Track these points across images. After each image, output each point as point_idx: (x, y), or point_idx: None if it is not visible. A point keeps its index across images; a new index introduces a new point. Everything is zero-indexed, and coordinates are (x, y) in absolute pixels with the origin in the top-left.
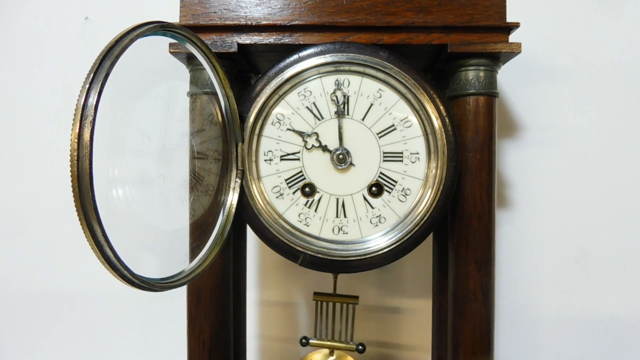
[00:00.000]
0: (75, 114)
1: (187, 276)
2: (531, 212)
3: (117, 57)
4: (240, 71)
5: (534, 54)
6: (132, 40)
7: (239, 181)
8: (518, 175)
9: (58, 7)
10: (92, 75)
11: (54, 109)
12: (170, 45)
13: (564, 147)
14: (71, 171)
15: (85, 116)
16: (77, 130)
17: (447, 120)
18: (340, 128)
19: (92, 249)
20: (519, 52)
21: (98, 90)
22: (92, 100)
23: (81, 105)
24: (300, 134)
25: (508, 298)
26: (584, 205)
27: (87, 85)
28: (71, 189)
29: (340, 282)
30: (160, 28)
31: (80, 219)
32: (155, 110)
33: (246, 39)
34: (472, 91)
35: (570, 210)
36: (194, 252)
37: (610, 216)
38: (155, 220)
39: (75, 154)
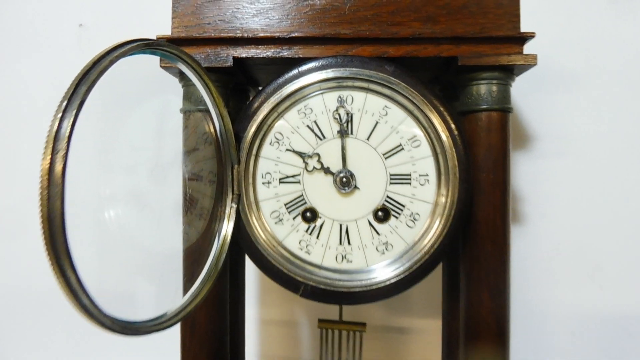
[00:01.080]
0: (45, 146)
1: (176, 315)
2: (543, 226)
3: (94, 82)
4: (237, 84)
5: (545, 59)
6: (112, 62)
7: (235, 206)
8: (529, 187)
9: (53, 14)
10: (65, 103)
11: (49, 115)
12: (161, 59)
13: (576, 157)
14: (41, 212)
15: (56, 149)
16: (47, 166)
17: (458, 139)
18: (343, 148)
19: (67, 297)
20: (535, 65)
21: (72, 119)
22: (65, 130)
23: (52, 136)
24: (301, 154)
25: (519, 315)
26: (598, 219)
27: (60, 114)
28: (41, 232)
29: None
30: (145, 46)
31: (52, 265)
32: (148, 125)
33: (242, 52)
34: (484, 106)
35: (583, 223)
36: (186, 286)
37: (625, 230)
38: (148, 243)
39: (46, 193)
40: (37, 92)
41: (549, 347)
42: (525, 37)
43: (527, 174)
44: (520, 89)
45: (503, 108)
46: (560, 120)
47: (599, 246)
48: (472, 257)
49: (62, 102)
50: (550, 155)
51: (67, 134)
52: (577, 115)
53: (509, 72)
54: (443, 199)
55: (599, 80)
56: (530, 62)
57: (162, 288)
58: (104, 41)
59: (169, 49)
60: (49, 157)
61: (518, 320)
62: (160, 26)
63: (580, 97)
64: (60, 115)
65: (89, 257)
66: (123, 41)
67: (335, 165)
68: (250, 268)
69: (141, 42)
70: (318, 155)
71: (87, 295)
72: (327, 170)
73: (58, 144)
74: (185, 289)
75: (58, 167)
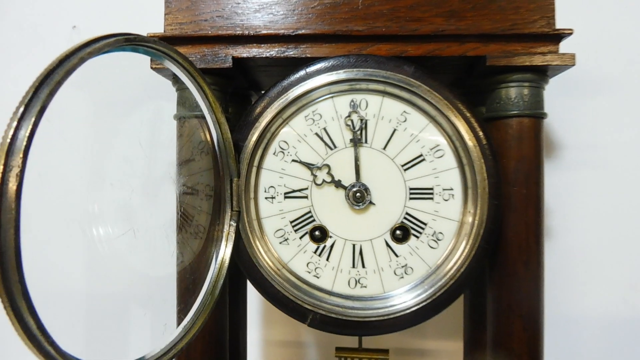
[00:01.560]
0: None
1: (165, 354)
2: (572, 242)
3: (59, 84)
4: (237, 88)
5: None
6: (82, 60)
7: (234, 225)
8: (556, 200)
9: (46, 16)
10: (21, 109)
11: None
12: (152, 60)
13: (608, 168)
14: None
15: (9, 166)
16: None
17: (486, 148)
18: (357, 159)
19: (26, 344)
20: (572, 65)
21: (30, 128)
22: (21, 142)
23: (5, 149)
24: (309, 166)
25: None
26: (631, 234)
27: (15, 123)
28: None
29: None
30: (126, 42)
31: (5, 309)
32: (140, 134)
33: (243, 52)
34: (515, 112)
35: (615, 239)
36: (179, 317)
37: None
38: (140, 264)
39: None
40: None
41: None
42: (562, 35)
43: (553, 185)
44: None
45: (536, 114)
46: (590, 128)
47: (633, 264)
48: (501, 282)
49: (18, 107)
50: (579, 165)
51: (23, 147)
52: (609, 122)
53: (542, 74)
54: (470, 217)
55: (632, 85)
56: (568, 63)
57: (155, 317)
58: None
59: (154, 45)
60: None
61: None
62: (157, 28)
63: (609, 103)
64: (15, 123)
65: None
66: (98, 36)
67: (348, 178)
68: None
69: (120, 37)
70: (328, 166)
71: (51, 342)
72: (338, 184)
73: (12, 158)
74: (178, 321)
75: (11, 187)
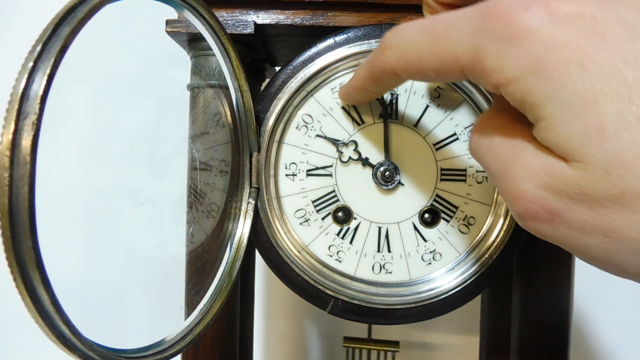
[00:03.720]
0: (8, 110)
1: (183, 339)
2: None
3: (83, 22)
4: (254, 60)
5: None
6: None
7: (253, 202)
8: None
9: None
10: (39, 48)
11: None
12: (167, 23)
13: None
14: (0, 203)
15: (24, 113)
16: (9, 138)
17: None
18: (386, 136)
19: (37, 321)
20: None
21: (49, 71)
22: (39, 87)
23: (19, 94)
24: (334, 142)
25: None
26: None
27: (31, 64)
28: (0, 231)
29: None
30: None
31: (15, 279)
32: (148, 106)
33: (266, 18)
34: None
35: None
36: (191, 300)
37: None
38: (145, 246)
39: (7, 176)
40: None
41: None
42: None
43: None
44: None
45: None
46: None
47: None
48: (531, 271)
49: (34, 46)
50: None
51: (41, 91)
52: None
53: None
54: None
55: None
56: None
57: (162, 304)
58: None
59: None
60: (12, 125)
61: None
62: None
63: None
64: (31, 64)
65: (73, 264)
66: None
67: (376, 157)
68: (257, 271)
69: None
70: (355, 143)
71: (66, 321)
72: (365, 162)
73: (27, 104)
74: (191, 304)
75: (26, 137)
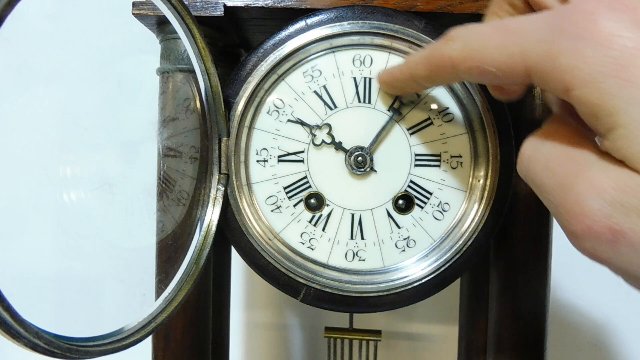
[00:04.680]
0: None
1: (144, 327)
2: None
3: None
4: (226, 45)
5: None
6: None
7: (222, 189)
8: None
9: None
10: None
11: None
12: (134, 5)
13: None
14: None
15: None
16: None
17: (499, 113)
18: (381, 131)
19: None
20: None
21: None
22: None
23: None
24: (308, 125)
25: None
26: None
27: None
28: None
29: None
30: None
31: None
32: (116, 92)
33: (236, 0)
34: None
35: None
36: (158, 288)
37: None
38: (118, 236)
39: None
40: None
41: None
42: None
43: None
44: None
45: None
46: None
47: None
48: (508, 259)
49: None
50: None
51: None
52: None
53: None
54: (480, 186)
55: None
56: None
57: (132, 293)
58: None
59: None
60: None
61: None
62: None
63: None
64: None
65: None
66: None
67: (349, 141)
68: (236, 261)
69: None
70: (329, 126)
71: (6, 307)
72: (338, 146)
73: None
74: (157, 292)
75: None
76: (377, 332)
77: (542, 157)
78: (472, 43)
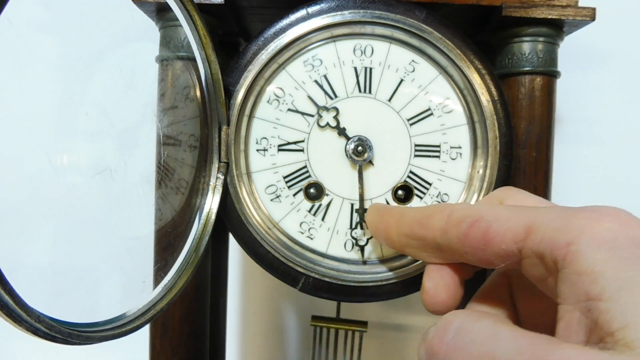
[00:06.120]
0: None
1: (144, 314)
2: None
3: None
4: (226, 33)
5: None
6: None
7: (222, 178)
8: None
9: None
10: None
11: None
12: None
13: (603, 144)
14: None
15: None
16: None
17: (499, 106)
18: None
19: None
20: (592, 20)
21: None
22: None
23: None
24: (316, 106)
25: None
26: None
27: None
28: None
29: None
30: None
31: None
32: (116, 79)
33: None
34: (528, 69)
35: None
36: (157, 276)
37: None
38: (113, 223)
39: None
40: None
41: None
42: None
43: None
44: None
45: (550, 72)
46: (586, 102)
47: None
48: None
49: None
50: (572, 139)
51: None
52: (605, 97)
53: (558, 29)
54: (479, 177)
55: (636, 59)
56: (586, 17)
57: (130, 281)
58: None
59: None
60: None
61: None
62: None
63: (610, 77)
64: None
65: (43, 241)
66: None
67: (350, 130)
68: (232, 251)
69: None
70: (337, 110)
71: (9, 291)
72: (342, 132)
73: None
74: (157, 280)
75: None
76: (363, 323)
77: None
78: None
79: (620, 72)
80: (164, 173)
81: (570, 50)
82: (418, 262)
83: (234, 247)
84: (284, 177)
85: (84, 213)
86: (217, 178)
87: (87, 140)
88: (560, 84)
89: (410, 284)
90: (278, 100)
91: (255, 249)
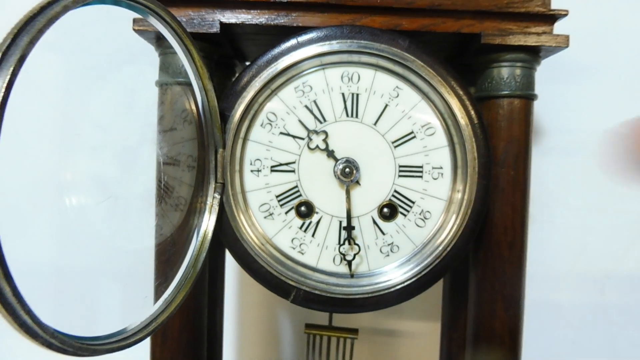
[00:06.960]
0: None
1: (146, 327)
2: (548, 229)
3: (41, 32)
4: (222, 57)
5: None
6: (65, 9)
7: (218, 197)
8: (534, 185)
9: None
10: None
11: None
12: (135, 21)
13: (586, 155)
14: None
15: None
16: None
17: (478, 128)
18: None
19: (1, 313)
20: (566, 47)
21: (8, 78)
22: None
23: None
24: (306, 129)
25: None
26: (606, 223)
27: None
28: None
29: None
30: None
31: None
32: (117, 100)
33: (231, 17)
34: (506, 92)
35: (591, 227)
36: (158, 290)
37: (636, 236)
38: (114, 239)
39: None
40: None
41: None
42: (557, 16)
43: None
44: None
45: (527, 95)
46: (568, 114)
47: (607, 253)
48: (486, 263)
49: None
50: (557, 151)
51: None
52: (587, 109)
53: (535, 55)
54: (459, 197)
55: (615, 72)
56: (562, 44)
57: (131, 294)
58: None
59: (142, 0)
60: None
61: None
62: None
63: (591, 89)
64: None
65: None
66: None
67: (338, 152)
68: (230, 261)
69: None
70: (326, 133)
71: (28, 311)
72: (330, 154)
73: None
74: (157, 294)
75: None
76: (354, 331)
77: None
78: None
79: (610, 83)
80: (163, 192)
81: (555, 62)
82: (401, 277)
83: (230, 258)
84: (277, 196)
85: (84, 228)
86: (213, 197)
87: (89, 157)
88: (545, 95)
89: (395, 296)
90: (271, 124)
91: (249, 264)
